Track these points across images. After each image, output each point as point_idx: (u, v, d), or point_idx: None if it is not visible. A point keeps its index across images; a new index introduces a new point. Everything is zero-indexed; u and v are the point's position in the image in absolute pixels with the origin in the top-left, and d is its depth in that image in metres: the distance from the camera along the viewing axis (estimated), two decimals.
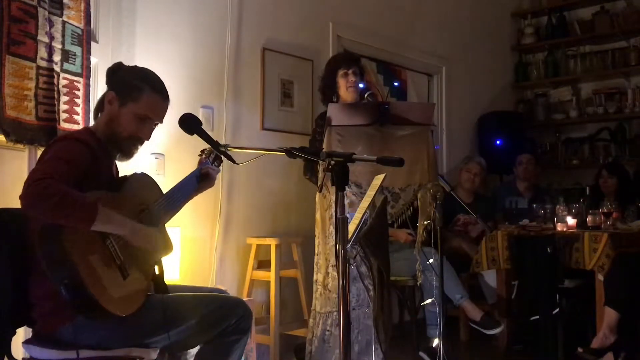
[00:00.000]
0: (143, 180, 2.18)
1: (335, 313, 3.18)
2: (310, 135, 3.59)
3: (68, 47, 2.88)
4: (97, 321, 1.92)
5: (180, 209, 2.33)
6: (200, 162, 2.39)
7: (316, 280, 3.29)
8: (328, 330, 3.20)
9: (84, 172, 1.92)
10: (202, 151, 2.43)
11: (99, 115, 2.19)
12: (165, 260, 2.24)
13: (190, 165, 3.29)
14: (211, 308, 2.11)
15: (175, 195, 2.25)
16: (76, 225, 1.81)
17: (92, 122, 3.01)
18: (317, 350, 3.20)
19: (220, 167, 2.44)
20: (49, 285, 1.90)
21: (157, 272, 2.15)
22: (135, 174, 2.16)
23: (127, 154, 2.17)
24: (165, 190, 2.26)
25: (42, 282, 1.95)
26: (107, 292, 1.85)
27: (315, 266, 3.32)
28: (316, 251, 3.33)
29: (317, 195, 3.27)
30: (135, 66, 2.26)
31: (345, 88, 3.39)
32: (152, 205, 2.13)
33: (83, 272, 1.79)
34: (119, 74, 2.18)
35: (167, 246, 2.17)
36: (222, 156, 2.19)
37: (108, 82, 2.19)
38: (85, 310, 1.84)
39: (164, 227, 2.22)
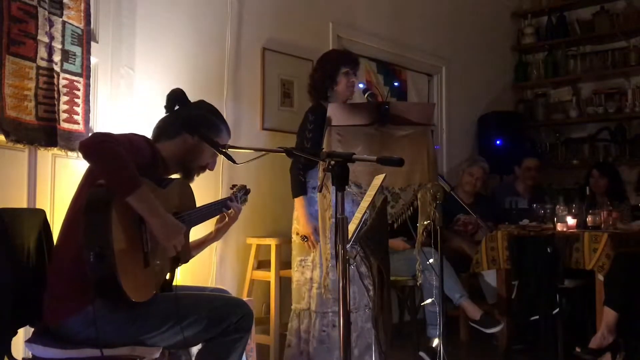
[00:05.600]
0: (184, 188, 2.30)
1: (330, 314, 3.18)
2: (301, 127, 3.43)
3: (68, 47, 2.89)
4: (106, 311, 1.93)
5: (205, 245, 2.53)
6: (232, 195, 2.55)
7: (311, 279, 3.26)
8: (324, 331, 3.20)
9: (140, 165, 1.96)
10: (234, 186, 2.61)
11: (164, 138, 2.26)
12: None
13: None
14: (216, 305, 2.14)
15: (203, 212, 2.36)
16: (116, 187, 1.87)
17: (88, 123, 3.03)
18: (317, 351, 3.20)
19: (243, 206, 2.59)
20: (69, 266, 1.95)
21: (167, 277, 2.18)
22: (180, 180, 2.28)
23: (191, 178, 2.34)
24: None
25: (63, 261, 1.99)
26: (128, 273, 1.88)
27: (310, 264, 3.30)
28: (305, 249, 3.30)
29: (318, 195, 3.26)
30: (205, 101, 2.41)
31: (345, 87, 3.38)
32: (184, 213, 2.21)
33: (115, 247, 1.84)
34: (197, 109, 2.32)
35: (185, 255, 2.23)
36: (222, 156, 2.21)
37: (180, 112, 2.31)
38: (104, 285, 1.85)
39: (187, 237, 2.30)
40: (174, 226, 2.01)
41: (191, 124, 2.25)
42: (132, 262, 1.93)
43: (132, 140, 2.02)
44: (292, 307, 3.36)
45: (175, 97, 2.34)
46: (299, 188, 3.28)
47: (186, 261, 2.27)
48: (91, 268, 1.83)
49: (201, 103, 2.40)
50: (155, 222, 1.94)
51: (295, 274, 3.34)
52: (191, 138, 2.25)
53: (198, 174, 2.35)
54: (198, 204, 2.38)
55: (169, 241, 2.00)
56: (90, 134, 1.92)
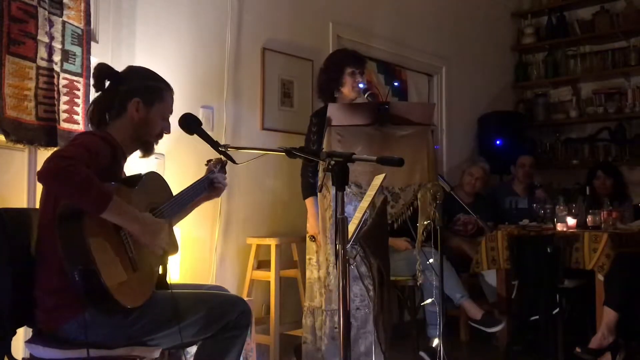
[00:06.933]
0: (156, 180, 2.24)
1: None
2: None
3: (68, 47, 2.89)
4: (103, 316, 1.92)
5: (187, 213, 2.44)
6: (208, 171, 2.47)
7: (319, 278, 3.30)
8: (336, 328, 3.21)
9: (102, 167, 1.94)
10: (209, 161, 2.52)
11: (110, 119, 2.16)
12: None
13: (190, 166, 3.32)
14: (213, 304, 2.14)
15: (184, 198, 2.30)
16: (87, 209, 1.82)
17: (88, 123, 3.03)
18: (328, 348, 3.21)
19: (226, 177, 2.53)
20: (54, 280, 1.93)
21: (160, 271, 2.16)
22: (149, 173, 2.19)
23: (151, 150, 2.26)
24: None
25: (47, 277, 1.96)
26: (117, 282, 1.86)
27: (315, 263, 3.33)
28: (314, 248, 3.34)
29: (318, 195, 3.27)
30: (133, 66, 2.31)
31: (351, 87, 3.38)
32: (162, 206, 2.17)
33: (97, 260, 1.81)
34: (130, 79, 2.20)
35: (172, 246, 2.20)
36: (223, 156, 2.20)
37: (113, 88, 2.19)
38: (96, 299, 1.84)
39: (171, 227, 2.25)
40: (154, 226, 1.98)
41: (130, 97, 2.15)
42: (120, 270, 1.90)
43: (88, 147, 1.93)
44: (305, 304, 3.40)
45: (103, 73, 2.20)
46: (309, 189, 3.41)
47: (175, 252, 2.25)
48: (78, 286, 1.81)
49: (130, 71, 2.27)
50: (135, 228, 1.92)
51: (307, 272, 3.41)
52: (136, 112, 2.15)
53: (157, 143, 2.27)
54: None
55: (153, 242, 1.98)
56: (45, 160, 1.82)
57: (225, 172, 2.53)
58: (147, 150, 2.25)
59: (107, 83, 2.20)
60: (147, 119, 2.17)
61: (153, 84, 2.22)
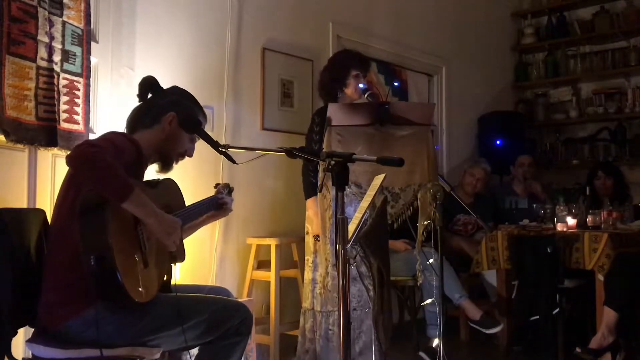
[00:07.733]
0: (173, 187, 2.32)
1: (336, 313, 3.19)
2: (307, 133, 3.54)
3: (68, 47, 2.89)
4: (107, 313, 1.93)
5: (194, 229, 2.52)
6: (217, 192, 2.56)
7: (313, 279, 3.30)
8: (330, 329, 3.21)
9: (126, 164, 1.97)
10: (217, 184, 2.62)
11: (140, 128, 2.23)
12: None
13: (189, 166, 3.31)
14: (216, 308, 2.14)
15: (196, 210, 2.37)
16: (111, 196, 1.85)
17: (88, 123, 3.03)
18: (323, 349, 3.22)
19: (233, 200, 2.61)
20: (62, 275, 1.95)
21: (165, 277, 2.19)
22: (167, 179, 2.28)
23: (170, 167, 2.32)
24: None
25: (54, 272, 1.98)
26: (129, 274, 1.88)
27: (311, 265, 3.34)
28: (312, 249, 3.34)
29: (318, 195, 3.27)
30: (178, 87, 2.39)
31: (354, 89, 3.38)
32: (176, 212, 2.21)
33: (114, 249, 1.83)
34: (172, 95, 2.30)
35: (180, 254, 2.23)
36: (223, 156, 2.21)
37: (154, 100, 2.28)
38: (106, 288, 1.85)
39: (181, 239, 2.27)
40: (171, 222, 2.01)
41: (166, 110, 2.23)
42: (132, 263, 1.93)
43: (115, 143, 1.99)
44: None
45: (148, 85, 2.30)
46: (311, 189, 3.38)
47: (182, 260, 2.27)
48: (92, 272, 1.82)
49: (174, 89, 2.37)
50: (153, 222, 1.95)
51: (304, 273, 3.43)
52: (169, 126, 2.23)
53: (177, 162, 2.33)
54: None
55: (168, 237, 2.00)
56: (74, 146, 1.91)
57: (231, 197, 2.61)
58: (166, 166, 2.31)
59: (150, 95, 2.30)
60: (176, 135, 2.24)
61: (192, 106, 2.31)
